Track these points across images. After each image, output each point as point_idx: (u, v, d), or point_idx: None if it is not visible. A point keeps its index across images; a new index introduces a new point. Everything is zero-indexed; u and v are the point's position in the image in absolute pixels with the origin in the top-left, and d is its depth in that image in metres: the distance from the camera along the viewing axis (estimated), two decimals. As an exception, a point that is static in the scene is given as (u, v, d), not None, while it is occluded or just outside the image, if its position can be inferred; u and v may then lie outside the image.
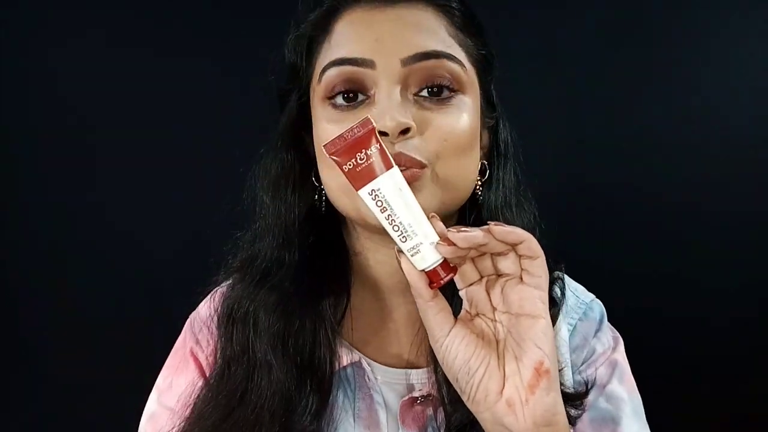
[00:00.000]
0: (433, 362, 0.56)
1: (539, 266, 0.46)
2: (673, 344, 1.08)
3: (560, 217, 1.02)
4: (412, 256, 0.46)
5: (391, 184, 0.46)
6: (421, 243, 0.46)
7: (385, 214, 0.47)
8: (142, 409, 0.64)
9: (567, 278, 0.67)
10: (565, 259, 0.65)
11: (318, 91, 0.56)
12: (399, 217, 0.46)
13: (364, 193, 0.47)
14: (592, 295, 0.68)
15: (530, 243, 0.45)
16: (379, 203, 0.47)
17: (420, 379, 0.59)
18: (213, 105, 1.07)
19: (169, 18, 1.08)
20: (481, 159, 0.59)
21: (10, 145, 1.10)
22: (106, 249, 1.10)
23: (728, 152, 1.06)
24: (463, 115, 0.54)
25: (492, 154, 0.62)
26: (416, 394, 0.58)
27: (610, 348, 0.64)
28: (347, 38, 0.55)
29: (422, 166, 0.52)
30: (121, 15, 1.07)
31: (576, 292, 0.67)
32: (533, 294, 0.46)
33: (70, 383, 1.11)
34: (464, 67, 0.55)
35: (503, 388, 0.46)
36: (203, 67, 1.07)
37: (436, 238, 0.46)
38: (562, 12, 1.07)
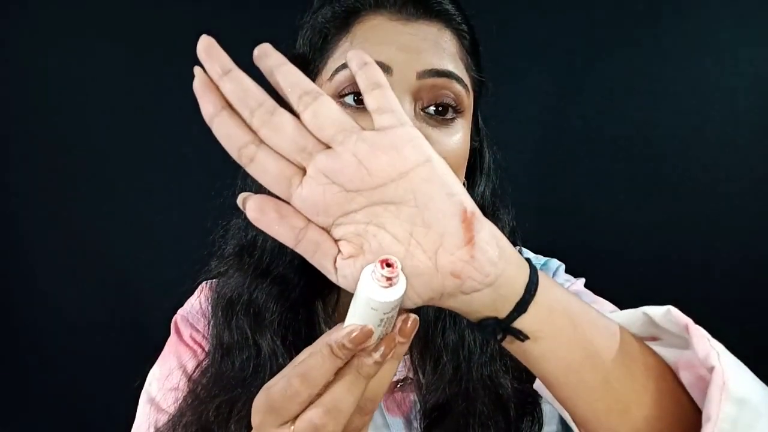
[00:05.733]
0: (409, 349, 0.58)
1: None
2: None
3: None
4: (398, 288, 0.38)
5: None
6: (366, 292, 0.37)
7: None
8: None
9: (525, 250, 0.70)
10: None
11: (327, 88, 0.57)
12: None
13: None
14: (549, 258, 0.70)
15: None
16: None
17: (398, 366, 0.62)
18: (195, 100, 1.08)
19: (154, 10, 1.09)
20: None
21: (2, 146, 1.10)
22: (98, 247, 1.11)
23: (718, 155, 1.10)
24: (460, 139, 0.58)
25: (473, 172, 0.65)
26: (394, 378, 0.59)
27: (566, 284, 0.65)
28: (367, 42, 0.56)
29: None
30: (105, 11, 1.08)
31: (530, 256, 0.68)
32: (404, 135, 0.37)
33: (65, 384, 1.13)
34: (468, 91, 0.58)
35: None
36: (192, 59, 1.09)
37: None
38: (552, 13, 1.11)
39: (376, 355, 0.37)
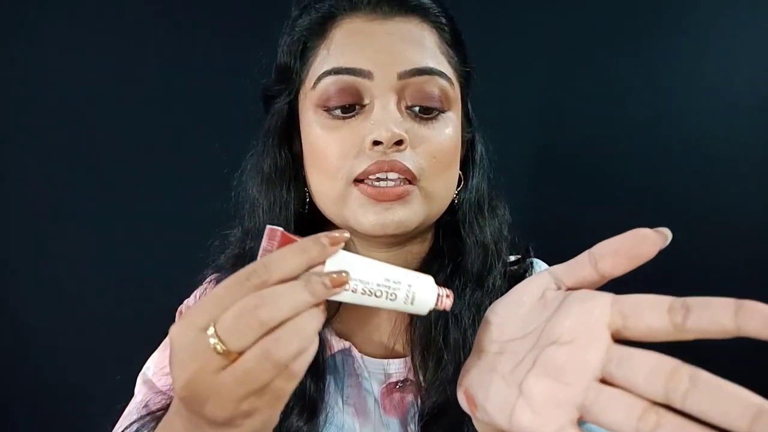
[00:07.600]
0: (411, 351, 0.60)
1: None
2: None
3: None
4: (412, 304, 0.41)
5: (336, 263, 0.40)
6: (410, 285, 0.41)
7: (359, 290, 0.40)
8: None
9: (540, 262, 0.69)
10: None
11: (311, 96, 0.57)
12: (371, 281, 0.41)
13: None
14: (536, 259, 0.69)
15: None
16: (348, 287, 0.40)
17: (398, 367, 0.61)
18: (199, 105, 1.08)
19: (152, 17, 1.10)
20: None
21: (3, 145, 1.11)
22: (97, 248, 1.12)
23: (711, 155, 1.08)
24: (449, 132, 0.58)
25: (467, 164, 0.65)
26: (394, 379, 0.61)
27: None
28: (346, 48, 0.56)
29: (414, 178, 0.55)
30: (107, 15, 1.09)
31: None
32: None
33: (65, 382, 1.13)
34: (452, 84, 0.58)
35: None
36: (192, 68, 1.09)
37: (414, 274, 0.42)
38: (553, 9, 1.09)
39: (326, 279, 0.38)
